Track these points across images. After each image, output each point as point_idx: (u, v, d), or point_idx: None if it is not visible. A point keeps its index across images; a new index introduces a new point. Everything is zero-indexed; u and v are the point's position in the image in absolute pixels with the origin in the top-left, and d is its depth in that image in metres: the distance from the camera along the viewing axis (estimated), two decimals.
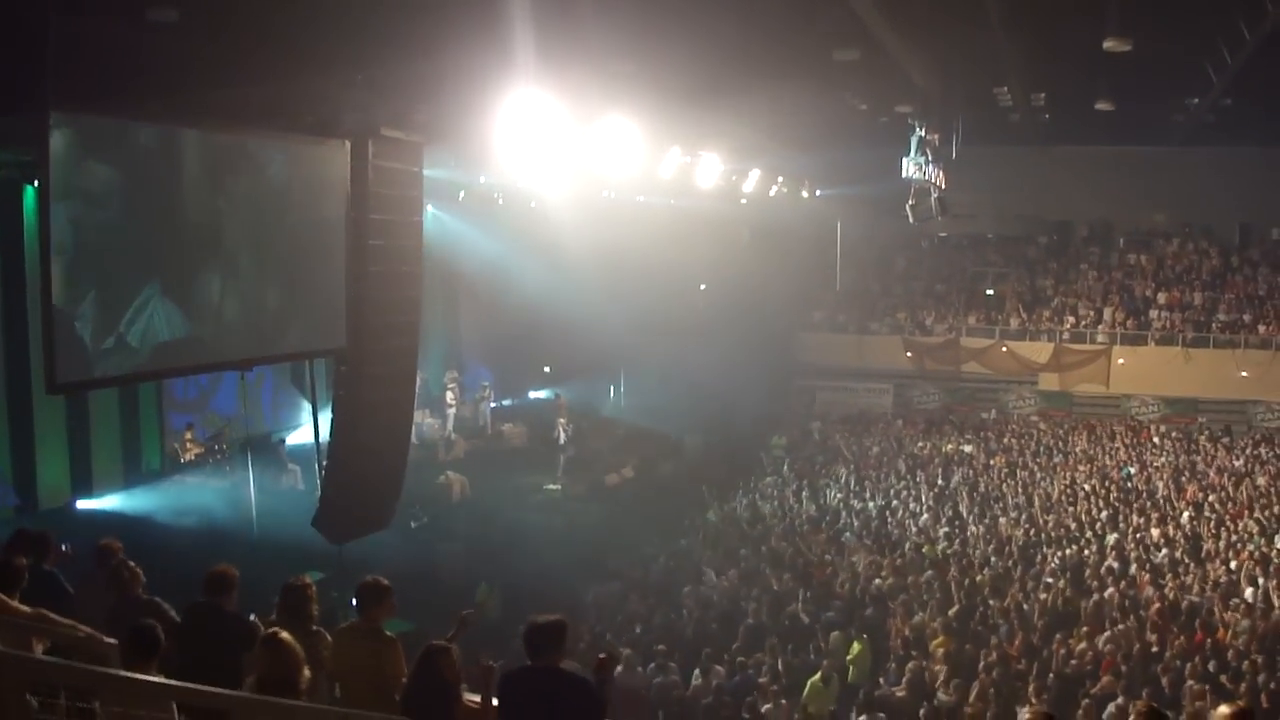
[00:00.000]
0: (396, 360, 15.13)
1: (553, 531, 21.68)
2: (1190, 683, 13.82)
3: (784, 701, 13.69)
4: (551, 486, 25.05)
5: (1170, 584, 17.96)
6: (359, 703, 7.14)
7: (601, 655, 7.21)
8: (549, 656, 6.66)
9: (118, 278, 11.41)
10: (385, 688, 7.29)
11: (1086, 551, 20.14)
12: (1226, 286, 36.28)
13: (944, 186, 26.80)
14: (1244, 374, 33.33)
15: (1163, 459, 28.89)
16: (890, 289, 39.91)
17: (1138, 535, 21.15)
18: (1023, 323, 36.56)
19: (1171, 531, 21.33)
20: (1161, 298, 36.29)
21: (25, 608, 6.91)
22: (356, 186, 13.91)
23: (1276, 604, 16.78)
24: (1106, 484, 25.84)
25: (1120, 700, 13.10)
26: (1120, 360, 34.74)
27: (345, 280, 14.20)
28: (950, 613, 16.76)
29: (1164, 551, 19.96)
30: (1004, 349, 35.82)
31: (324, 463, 15.53)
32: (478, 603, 17.31)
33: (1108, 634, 15.71)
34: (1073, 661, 14.96)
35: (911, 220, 26.40)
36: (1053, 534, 21.51)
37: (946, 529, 21.90)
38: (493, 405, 29.01)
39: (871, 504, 24.52)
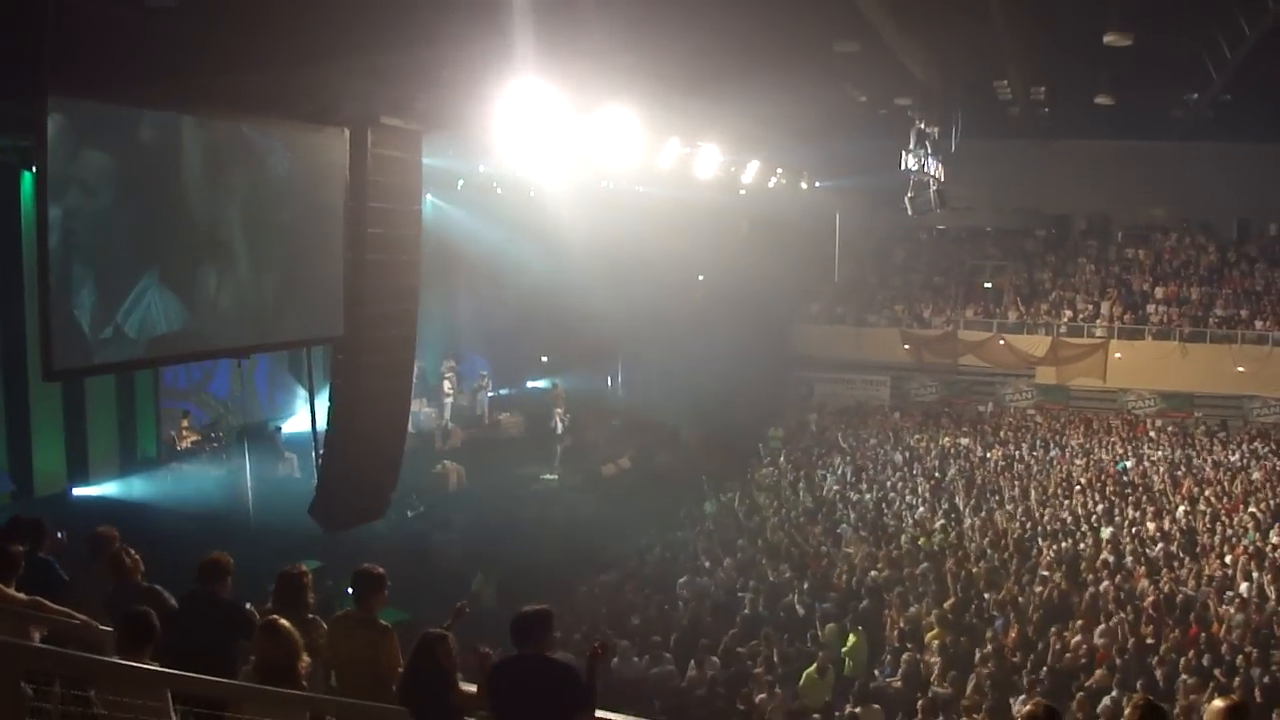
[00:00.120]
0: (394, 349, 15.11)
1: (549, 521, 21.72)
2: (1184, 677, 13.86)
3: (779, 691, 13.70)
4: (548, 476, 25.07)
5: (1165, 578, 17.99)
6: (355, 692, 7.15)
7: (595, 645, 7.25)
8: (535, 645, 6.79)
9: (116, 265, 11.38)
10: (382, 677, 7.29)
11: (1082, 545, 20.15)
12: (1224, 282, 36.32)
13: (943, 179, 26.83)
14: (1240, 369, 33.40)
15: (1159, 453, 28.95)
16: (888, 281, 39.92)
17: (1133, 529, 21.18)
18: (1020, 316, 36.58)
19: (1167, 526, 21.36)
20: (1159, 292, 36.33)
21: (21, 595, 6.91)
22: (355, 175, 13.88)
23: (1271, 598, 16.82)
24: (1103, 478, 25.87)
25: (1114, 694, 13.14)
26: (1117, 354, 34.78)
27: (343, 269, 14.18)
28: (946, 605, 16.78)
29: (1159, 545, 19.98)
30: (1001, 342, 35.84)
31: (321, 451, 15.51)
32: (474, 592, 17.35)
33: (1102, 627, 15.74)
34: (1067, 655, 14.98)
35: (910, 213, 26.41)
36: (1048, 527, 21.53)
37: (943, 521, 21.91)
38: (490, 395, 29.01)
39: (868, 496, 24.54)
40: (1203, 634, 15.46)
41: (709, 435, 30.41)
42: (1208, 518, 21.85)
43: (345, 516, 15.51)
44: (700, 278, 35.14)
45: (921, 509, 23.13)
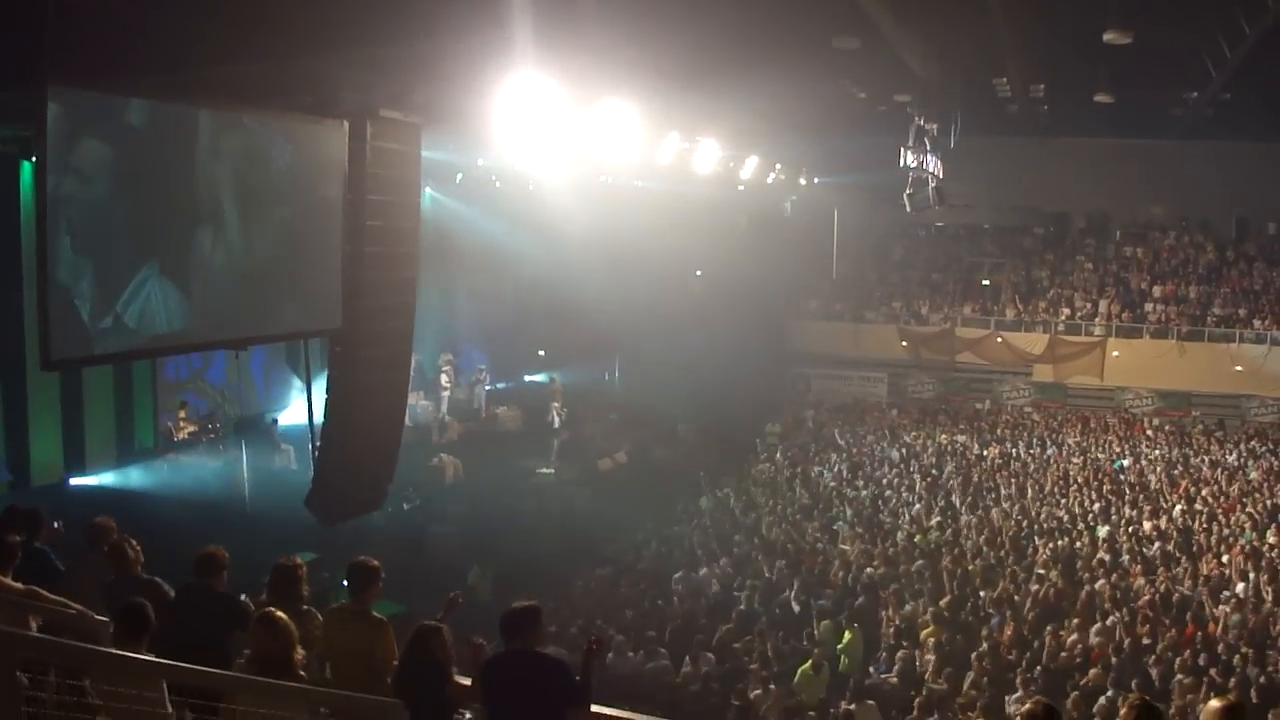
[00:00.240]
0: (391, 342, 15.12)
1: (545, 515, 21.73)
2: (1180, 676, 13.87)
3: (773, 688, 13.71)
4: (545, 470, 25.07)
5: (1162, 577, 18.00)
6: (350, 684, 7.14)
7: (591, 641, 7.27)
8: (524, 640, 6.86)
9: (115, 255, 11.37)
10: (377, 670, 7.30)
11: (1078, 543, 20.15)
12: (1222, 280, 36.32)
13: (941, 176, 26.83)
14: (1238, 368, 33.41)
15: (1156, 452, 28.93)
16: (886, 278, 39.90)
17: (1130, 528, 21.18)
18: (1018, 314, 36.58)
19: (1164, 525, 21.36)
20: (1157, 291, 36.33)
21: (18, 585, 6.90)
22: (354, 167, 13.88)
23: (1268, 598, 16.83)
24: (1099, 476, 25.86)
25: (1110, 693, 13.15)
26: (1115, 353, 34.77)
27: (341, 261, 14.17)
28: (942, 603, 16.79)
29: (1156, 545, 19.98)
30: (999, 339, 35.83)
31: (317, 443, 15.51)
32: (470, 585, 17.36)
33: (1098, 626, 15.75)
34: (1062, 654, 14.99)
35: (909, 209, 26.43)
36: (1045, 525, 21.52)
37: (939, 519, 21.92)
38: (487, 388, 29.01)
39: (865, 493, 24.53)
40: (1199, 633, 15.47)
41: (706, 430, 30.42)
42: (1204, 517, 21.84)
43: (342, 509, 15.52)
44: (698, 273, 35.14)
45: (918, 506, 23.11)
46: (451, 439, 25.47)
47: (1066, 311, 36.24)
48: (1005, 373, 36.21)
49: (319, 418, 15.36)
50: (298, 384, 21.72)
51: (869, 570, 18.54)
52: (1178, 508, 22.77)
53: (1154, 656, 14.68)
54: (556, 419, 27.65)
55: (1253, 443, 29.67)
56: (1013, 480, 25.57)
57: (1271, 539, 19.85)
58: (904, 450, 29.20)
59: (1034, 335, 35.77)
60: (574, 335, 30.25)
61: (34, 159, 12.52)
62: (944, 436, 30.89)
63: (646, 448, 28.11)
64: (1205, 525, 21.22)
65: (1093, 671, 14.15)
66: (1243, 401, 33.43)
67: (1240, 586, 17.40)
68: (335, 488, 15.12)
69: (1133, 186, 37.42)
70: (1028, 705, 5.41)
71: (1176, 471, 26.64)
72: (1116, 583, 17.65)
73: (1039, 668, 14.39)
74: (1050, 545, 19.93)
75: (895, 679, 14.60)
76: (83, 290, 10.97)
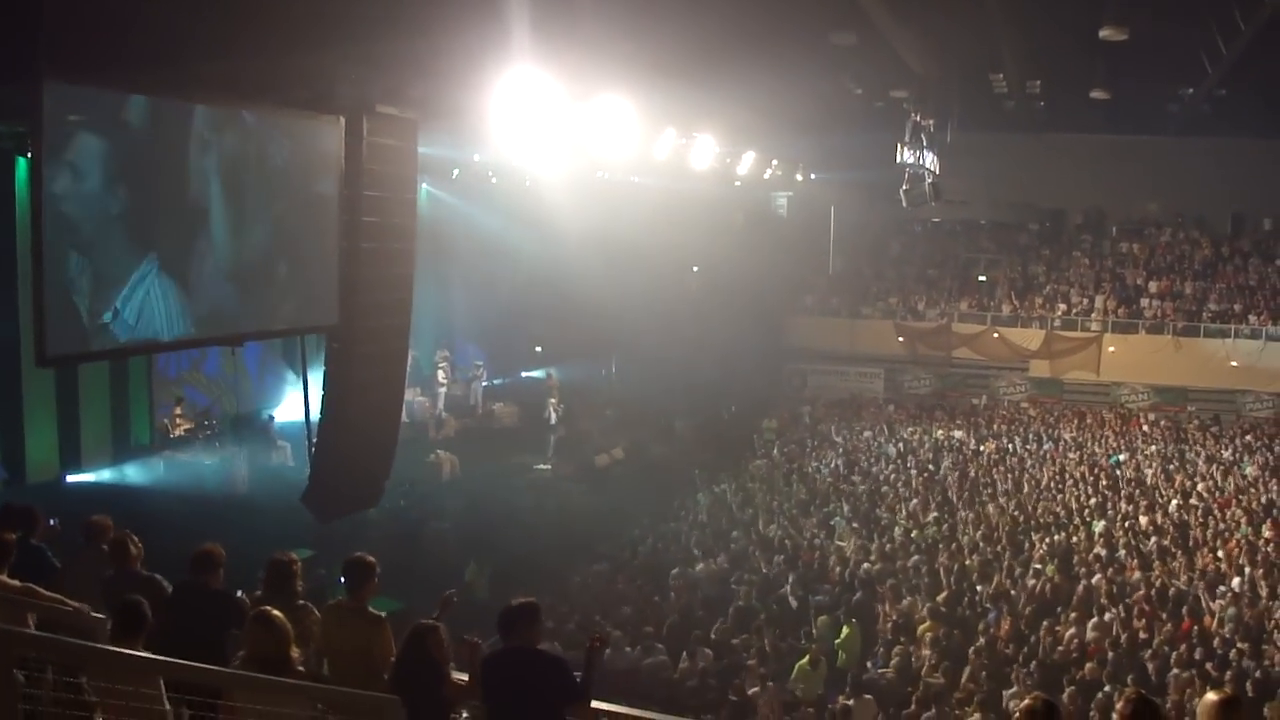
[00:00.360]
0: (388, 338, 15.10)
1: (542, 512, 21.71)
2: (1176, 670, 13.89)
3: (771, 684, 13.71)
4: (542, 467, 25.06)
5: (1158, 572, 18.01)
6: (347, 681, 7.14)
7: (594, 638, 7.27)
8: (522, 637, 6.83)
9: (113, 251, 11.34)
10: (374, 667, 7.29)
11: (1075, 538, 20.17)
12: (1218, 276, 36.35)
13: (938, 172, 26.85)
14: (1234, 364, 33.43)
15: (1152, 447, 28.95)
16: (882, 273, 39.89)
17: (1126, 523, 21.19)
18: (1014, 309, 36.58)
19: (1160, 520, 21.38)
20: (1153, 286, 36.35)
21: (14, 582, 6.89)
22: (351, 163, 13.85)
23: (1263, 592, 16.85)
24: (1096, 471, 25.89)
25: (1107, 688, 13.16)
26: (1111, 348, 34.79)
27: (338, 257, 14.15)
28: (939, 598, 16.80)
29: (1152, 539, 20.00)
30: (995, 335, 35.84)
31: (314, 440, 15.49)
32: (467, 582, 17.34)
33: (1095, 621, 15.77)
34: (1059, 648, 15.01)
35: (905, 205, 26.49)
36: (1041, 520, 21.54)
37: (936, 514, 21.93)
38: (484, 384, 28.98)
39: (861, 488, 24.53)
40: (1195, 628, 15.49)
41: (703, 427, 30.41)
42: (1200, 512, 21.87)
43: (338, 505, 15.51)
44: (695, 269, 35.12)
45: (915, 502, 23.11)
46: (448, 435, 25.44)
47: (1063, 307, 36.24)
48: (1002, 368, 36.20)
49: (315, 414, 15.33)
50: (292, 378, 21.70)
51: (866, 566, 18.56)
52: (1174, 502, 22.80)
53: (1150, 651, 14.71)
54: (553, 415, 27.62)
55: (1248, 438, 29.71)
56: (1009, 475, 25.58)
57: (1267, 533, 19.89)
58: (901, 446, 29.21)
59: (1030, 331, 35.78)
60: (571, 331, 30.21)
61: (29, 155, 12.47)
62: (940, 432, 30.90)
63: (643, 444, 28.09)
64: (1201, 520, 21.24)
65: (1089, 666, 14.16)
66: (1238, 397, 33.45)
67: (1236, 581, 17.44)
68: (332, 484, 15.10)
69: (1129, 182, 37.43)
70: (1027, 702, 5.38)
71: (1172, 466, 26.66)
72: (1113, 577, 17.68)
73: (1035, 662, 14.42)
74: (1047, 540, 19.94)
75: (893, 674, 14.62)
76: (81, 287, 10.94)
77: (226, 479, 19.38)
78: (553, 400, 27.77)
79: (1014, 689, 13.41)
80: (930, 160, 26.03)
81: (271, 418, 22.06)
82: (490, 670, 6.90)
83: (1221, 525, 20.83)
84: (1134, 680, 13.25)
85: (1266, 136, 31.36)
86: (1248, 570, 17.81)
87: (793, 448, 29.18)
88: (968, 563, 18.58)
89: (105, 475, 18.14)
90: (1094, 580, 17.48)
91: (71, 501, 15.36)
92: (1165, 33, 21.02)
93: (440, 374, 26.87)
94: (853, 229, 39.42)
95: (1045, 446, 29.26)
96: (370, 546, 8.84)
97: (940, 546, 19.63)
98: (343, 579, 7.82)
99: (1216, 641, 14.94)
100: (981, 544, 19.89)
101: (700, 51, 17.01)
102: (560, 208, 23.48)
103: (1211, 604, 16.53)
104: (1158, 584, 17.32)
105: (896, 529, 20.99)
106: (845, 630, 15.69)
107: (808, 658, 14.39)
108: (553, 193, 23.25)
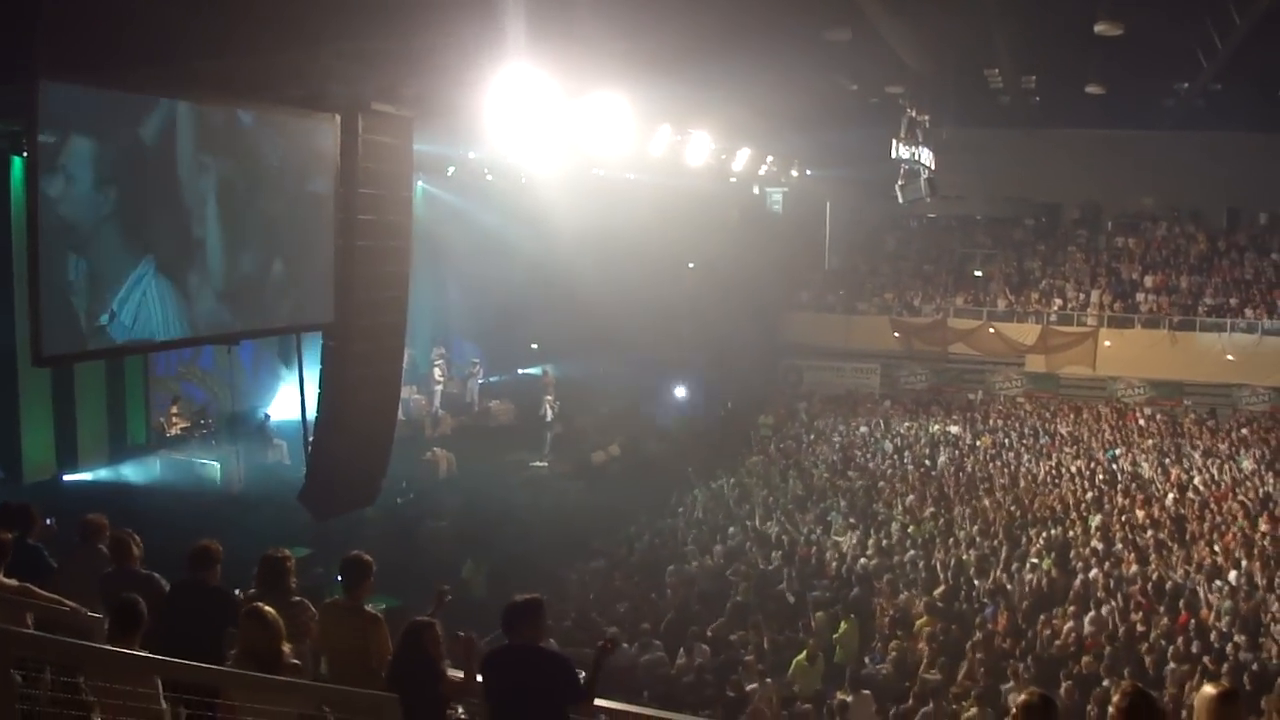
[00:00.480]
0: (384, 336, 15.09)
1: (539, 509, 21.71)
2: (1173, 663, 13.92)
3: (768, 680, 13.73)
4: (538, 464, 25.08)
5: (1155, 565, 18.04)
6: (345, 679, 7.15)
7: (605, 640, 7.28)
8: (526, 634, 6.78)
9: (110, 251, 11.33)
10: (371, 665, 7.30)
11: (1072, 533, 20.20)
12: (1213, 270, 36.34)
13: (933, 167, 26.81)
14: (1230, 357, 33.41)
15: (1148, 441, 28.97)
16: (878, 269, 39.88)
17: (1123, 517, 21.22)
18: (1010, 304, 36.58)
19: (1156, 513, 21.41)
20: (1149, 281, 36.33)
21: (11, 581, 6.88)
22: (346, 161, 13.84)
23: (1260, 585, 16.89)
24: (1092, 465, 25.91)
25: (1105, 682, 13.18)
26: (1107, 343, 34.78)
27: (333, 255, 14.14)
28: (936, 593, 16.82)
29: (1149, 533, 20.03)
30: (991, 330, 35.83)
31: (310, 438, 15.48)
32: (463, 579, 17.34)
33: (1092, 614, 15.79)
34: (1056, 642, 15.03)
35: (900, 201, 26.41)
36: (1038, 515, 21.57)
37: (932, 509, 21.94)
38: (480, 382, 28.99)
39: (858, 484, 24.55)
40: (1192, 621, 15.52)
41: (698, 423, 30.40)
42: (1197, 505, 21.91)
43: (335, 503, 15.50)
44: (690, 265, 35.11)
45: (911, 497, 23.14)
46: (444, 433, 25.46)
47: (1058, 302, 36.23)
48: (998, 363, 36.19)
49: (311, 412, 15.33)
50: (286, 376, 21.71)
51: (863, 561, 18.59)
52: (1170, 496, 22.83)
53: (1147, 644, 14.74)
54: (549, 412, 27.61)
55: (1244, 431, 29.74)
56: (1006, 470, 25.61)
57: (1263, 526, 19.92)
58: (897, 441, 29.23)
59: (1026, 326, 35.76)
60: (567, 328, 30.20)
61: (25, 154, 12.46)
62: (937, 427, 30.91)
63: (639, 441, 28.10)
64: (1198, 513, 21.27)
65: (1086, 659, 14.19)
66: (1234, 390, 33.43)
67: (1233, 574, 17.47)
68: (328, 483, 15.09)
69: (1124, 177, 37.38)
70: (1024, 697, 5.39)
71: (1169, 460, 26.70)
72: (1110, 571, 17.72)
73: (1033, 656, 14.44)
74: (1044, 535, 19.99)
75: (890, 669, 14.63)
76: (79, 287, 10.94)
77: (223, 478, 19.38)
78: (549, 397, 27.76)
79: (1011, 683, 13.43)
80: (925, 156, 25.98)
81: (268, 416, 22.06)
82: (492, 668, 6.84)
83: (1218, 519, 20.87)
84: (1131, 673, 13.27)
85: (1262, 130, 31.33)
86: (1244, 563, 17.85)
87: (789, 443, 29.21)
88: (965, 557, 18.61)
89: (102, 474, 18.16)
90: (1091, 574, 17.51)
91: (68, 501, 15.37)
92: (1160, 27, 20.97)
93: (436, 371, 26.88)
94: (848, 225, 39.41)
95: (1041, 441, 29.27)
96: (367, 544, 8.85)
97: (937, 541, 19.66)
98: (340, 577, 7.83)
99: (1213, 634, 14.98)
100: (978, 539, 19.91)
101: (695, 48, 16.97)
102: (556, 205, 23.47)
103: (1208, 597, 16.57)
104: (1154, 578, 17.35)
105: (893, 524, 21.01)
106: (843, 625, 15.72)
107: (805, 653, 14.41)
108: (548, 190, 23.24)
